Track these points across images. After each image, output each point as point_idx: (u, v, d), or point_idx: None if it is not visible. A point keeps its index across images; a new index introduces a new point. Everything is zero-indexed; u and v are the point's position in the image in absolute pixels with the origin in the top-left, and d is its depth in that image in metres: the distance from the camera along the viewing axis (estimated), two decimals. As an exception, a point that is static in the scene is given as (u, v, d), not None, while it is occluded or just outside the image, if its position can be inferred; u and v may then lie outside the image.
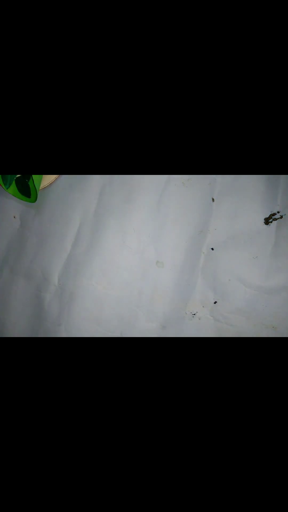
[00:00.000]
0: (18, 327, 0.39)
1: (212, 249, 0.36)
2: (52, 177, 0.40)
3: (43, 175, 0.39)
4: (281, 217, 0.35)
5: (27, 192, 0.37)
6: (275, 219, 0.35)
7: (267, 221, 0.35)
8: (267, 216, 0.35)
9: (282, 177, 0.35)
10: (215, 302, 0.36)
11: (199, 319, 0.36)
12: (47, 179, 0.40)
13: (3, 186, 0.36)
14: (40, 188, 0.39)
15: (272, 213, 0.35)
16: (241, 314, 0.35)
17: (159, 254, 0.37)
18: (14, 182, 0.37)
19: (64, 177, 0.40)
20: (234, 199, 0.36)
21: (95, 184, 0.40)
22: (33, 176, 0.36)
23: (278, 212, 0.35)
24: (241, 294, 0.35)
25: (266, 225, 0.35)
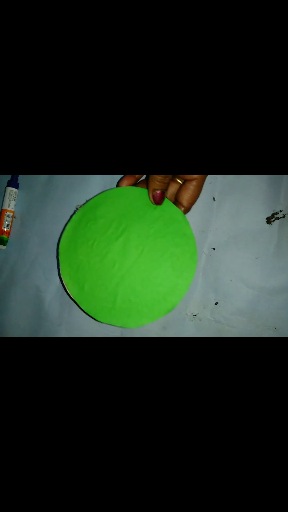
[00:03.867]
0: (18, 327, 0.39)
1: (214, 249, 0.36)
2: None
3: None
4: (284, 216, 0.34)
5: None
6: (278, 218, 0.34)
7: (269, 220, 0.35)
8: (269, 215, 0.35)
9: (285, 176, 0.35)
10: (216, 303, 0.35)
11: (200, 320, 0.35)
12: None
13: None
14: None
15: (274, 212, 0.35)
16: (243, 315, 0.34)
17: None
18: None
19: (65, 178, 0.40)
20: (236, 198, 0.36)
21: (96, 184, 0.40)
22: None
23: (281, 211, 0.34)
24: (243, 295, 0.35)
25: (268, 225, 0.35)
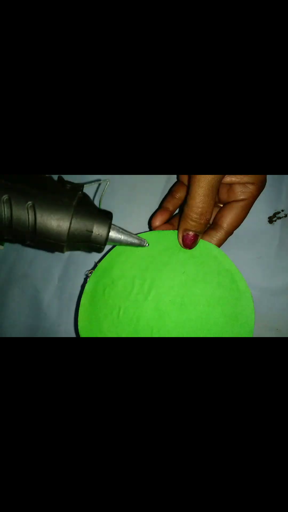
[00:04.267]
0: (17, 328, 0.39)
1: (215, 249, 0.35)
2: None
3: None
4: (286, 215, 0.34)
5: None
6: (279, 218, 0.34)
7: (271, 220, 0.34)
8: (271, 215, 0.34)
9: (287, 175, 0.35)
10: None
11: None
12: None
13: None
14: None
15: (276, 211, 0.34)
16: (244, 316, 0.34)
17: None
18: None
19: (64, 178, 0.40)
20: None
21: (96, 184, 0.39)
22: None
23: (282, 210, 0.34)
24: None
25: (270, 224, 0.34)
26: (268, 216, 0.34)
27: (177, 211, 0.32)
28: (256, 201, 0.35)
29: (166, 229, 0.29)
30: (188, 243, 0.26)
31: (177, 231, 0.28)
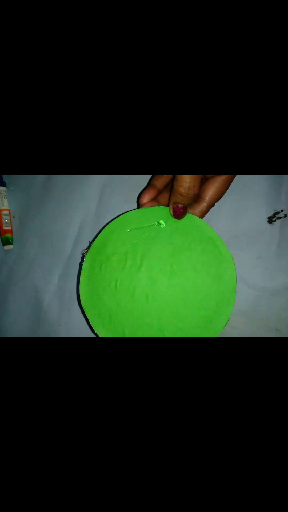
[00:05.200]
0: (17, 328, 0.39)
1: (214, 249, 0.35)
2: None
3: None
4: (285, 215, 0.34)
5: None
6: (279, 218, 0.34)
7: (270, 220, 0.34)
8: (271, 215, 0.34)
9: (286, 175, 0.35)
10: (217, 304, 0.35)
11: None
12: None
13: None
14: None
15: (276, 211, 0.34)
16: (244, 316, 0.34)
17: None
18: None
19: (64, 177, 0.40)
20: (236, 198, 0.35)
21: (95, 184, 0.39)
22: None
23: (282, 210, 0.34)
24: (244, 295, 0.34)
25: (269, 224, 0.34)
26: (267, 216, 0.34)
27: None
28: (255, 201, 0.35)
29: (152, 206, 0.32)
30: (178, 214, 0.30)
31: (162, 207, 0.31)
